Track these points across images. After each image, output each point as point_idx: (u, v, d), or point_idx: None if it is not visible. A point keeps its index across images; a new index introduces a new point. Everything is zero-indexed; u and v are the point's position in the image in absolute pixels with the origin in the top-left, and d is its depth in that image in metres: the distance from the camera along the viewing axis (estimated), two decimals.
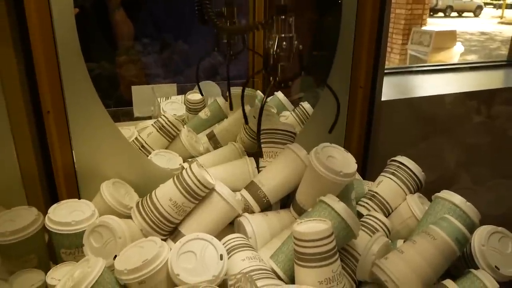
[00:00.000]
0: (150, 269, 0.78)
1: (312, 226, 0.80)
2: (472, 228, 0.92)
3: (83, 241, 0.90)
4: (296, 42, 0.90)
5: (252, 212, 1.06)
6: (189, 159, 1.28)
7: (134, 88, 1.67)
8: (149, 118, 1.67)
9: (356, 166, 1.00)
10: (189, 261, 0.81)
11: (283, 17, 0.88)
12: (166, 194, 0.95)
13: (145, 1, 1.91)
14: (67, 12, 0.98)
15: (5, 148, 1.03)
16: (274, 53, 0.90)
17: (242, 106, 1.20)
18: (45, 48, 0.98)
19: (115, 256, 0.86)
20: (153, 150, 1.27)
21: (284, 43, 0.89)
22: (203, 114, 1.45)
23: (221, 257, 0.82)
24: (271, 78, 0.93)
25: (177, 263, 0.80)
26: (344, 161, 1.00)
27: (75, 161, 1.09)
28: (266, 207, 1.08)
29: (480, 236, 0.91)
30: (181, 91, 1.68)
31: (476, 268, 0.89)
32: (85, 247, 0.90)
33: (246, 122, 1.19)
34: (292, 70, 0.94)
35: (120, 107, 1.70)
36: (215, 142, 1.38)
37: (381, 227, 0.98)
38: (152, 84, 1.86)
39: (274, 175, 1.08)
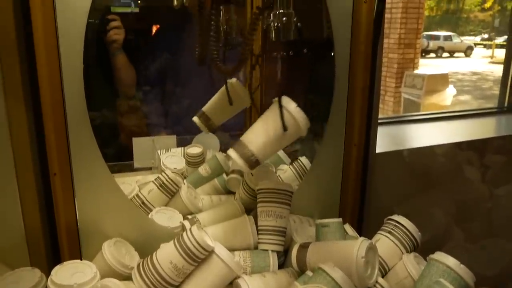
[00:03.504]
0: None
1: None
2: None
3: None
4: (295, 19, 0.96)
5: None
6: (189, 216, 1.30)
7: (135, 140, 1.71)
8: (149, 169, 1.70)
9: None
10: None
11: None
12: (167, 256, 0.97)
13: (146, 45, 1.96)
14: (77, 75, 1.03)
15: (12, 208, 1.06)
16: (276, 28, 0.95)
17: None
18: (54, 111, 1.03)
19: None
20: (154, 207, 1.29)
21: (285, 18, 0.94)
22: (204, 171, 1.49)
23: None
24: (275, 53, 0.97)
25: None
26: None
27: (78, 220, 1.12)
28: (255, 165, 1.03)
29: None
30: (181, 143, 1.72)
31: None
32: None
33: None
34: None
35: (120, 156, 1.74)
36: (206, 119, 1.38)
37: None
38: (152, 134, 1.90)
39: (260, 131, 1.04)
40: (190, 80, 1.93)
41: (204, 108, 1.38)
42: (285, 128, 1.00)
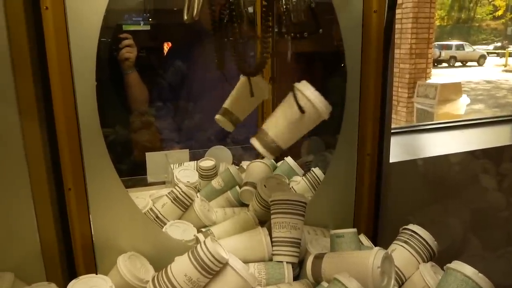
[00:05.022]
0: None
1: None
2: None
3: None
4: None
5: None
6: (203, 229, 1.30)
7: (148, 155, 1.73)
8: (163, 183, 1.71)
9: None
10: None
11: None
12: (181, 269, 0.97)
13: (158, 62, 1.98)
14: (90, 92, 1.05)
15: (27, 223, 1.07)
16: (285, 9, 0.97)
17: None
18: (68, 128, 1.05)
19: None
20: (168, 220, 1.30)
21: None
22: (217, 184, 1.49)
23: None
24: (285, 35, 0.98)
25: None
26: None
27: (93, 234, 1.13)
28: (277, 152, 1.04)
29: None
30: (193, 157, 1.73)
31: None
32: None
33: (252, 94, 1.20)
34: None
35: (133, 171, 1.75)
36: (229, 115, 1.35)
37: None
38: (165, 148, 1.92)
39: (279, 117, 1.04)
40: (201, 95, 1.95)
41: (226, 104, 1.36)
42: (301, 110, 0.99)
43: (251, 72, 1.15)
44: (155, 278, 0.99)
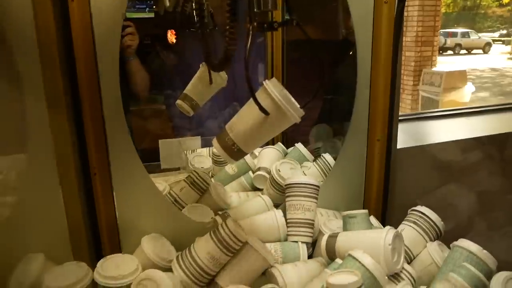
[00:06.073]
0: None
1: (344, 278, 0.87)
2: (489, 274, 0.98)
3: None
4: None
5: None
6: (219, 212, 1.36)
7: (161, 142, 1.78)
8: (177, 169, 1.77)
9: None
10: None
11: None
12: (204, 248, 1.03)
13: (161, 50, 2.01)
14: (113, 82, 1.10)
15: (56, 207, 1.13)
16: None
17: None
18: (93, 115, 1.11)
19: None
20: (186, 204, 1.36)
21: None
22: (231, 169, 1.55)
23: None
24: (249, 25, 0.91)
25: None
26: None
27: (117, 216, 1.19)
28: (238, 156, 0.96)
29: (498, 282, 0.97)
30: (205, 144, 1.78)
31: None
32: None
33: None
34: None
35: (145, 159, 1.80)
36: (190, 100, 1.43)
37: (406, 276, 1.04)
38: (176, 136, 1.97)
39: (242, 117, 0.95)
40: None
41: (186, 90, 1.43)
42: (264, 111, 0.90)
43: (215, 66, 1.09)
44: (180, 256, 1.06)
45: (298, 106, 0.94)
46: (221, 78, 1.44)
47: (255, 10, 0.94)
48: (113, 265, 1.05)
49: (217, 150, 0.95)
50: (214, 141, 0.96)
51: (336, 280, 0.87)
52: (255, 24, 0.94)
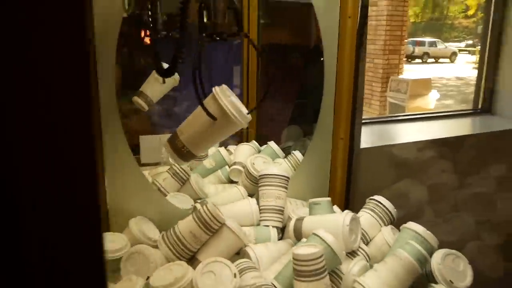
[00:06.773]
0: (180, 285, 1.00)
1: (307, 249, 1.03)
2: (431, 251, 1.16)
3: (121, 264, 1.12)
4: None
5: None
6: (198, 200, 1.50)
7: (141, 138, 1.90)
8: (157, 164, 1.89)
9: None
10: (209, 278, 1.03)
11: None
12: (187, 227, 1.17)
13: (133, 49, 2.11)
14: (110, 76, 1.23)
15: None
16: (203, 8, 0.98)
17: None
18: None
19: (148, 277, 1.07)
20: (168, 192, 1.50)
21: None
22: (208, 164, 1.69)
23: (235, 276, 1.04)
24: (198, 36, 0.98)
25: (200, 280, 1.02)
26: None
27: (107, 201, 1.32)
28: (188, 158, 1.01)
29: (438, 257, 1.15)
30: None
31: (435, 283, 1.12)
32: (122, 270, 1.12)
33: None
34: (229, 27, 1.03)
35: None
36: (145, 97, 1.55)
37: (362, 253, 1.21)
38: (155, 133, 2.08)
39: (191, 122, 1.01)
40: (189, 83, 2.11)
41: (142, 88, 1.56)
42: (211, 117, 0.96)
43: (163, 73, 1.17)
44: (164, 235, 1.19)
45: (246, 111, 1.04)
46: (174, 79, 1.59)
47: (205, 21, 1.02)
48: (106, 241, 1.18)
49: (168, 152, 1.02)
50: (166, 143, 1.03)
51: (300, 250, 1.03)
52: (203, 34, 1.03)
